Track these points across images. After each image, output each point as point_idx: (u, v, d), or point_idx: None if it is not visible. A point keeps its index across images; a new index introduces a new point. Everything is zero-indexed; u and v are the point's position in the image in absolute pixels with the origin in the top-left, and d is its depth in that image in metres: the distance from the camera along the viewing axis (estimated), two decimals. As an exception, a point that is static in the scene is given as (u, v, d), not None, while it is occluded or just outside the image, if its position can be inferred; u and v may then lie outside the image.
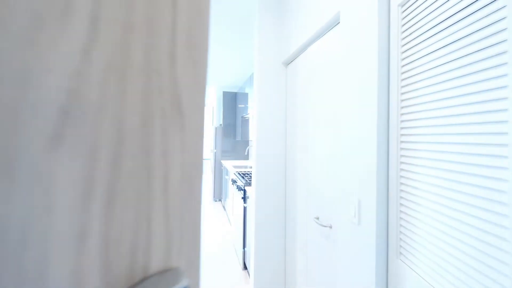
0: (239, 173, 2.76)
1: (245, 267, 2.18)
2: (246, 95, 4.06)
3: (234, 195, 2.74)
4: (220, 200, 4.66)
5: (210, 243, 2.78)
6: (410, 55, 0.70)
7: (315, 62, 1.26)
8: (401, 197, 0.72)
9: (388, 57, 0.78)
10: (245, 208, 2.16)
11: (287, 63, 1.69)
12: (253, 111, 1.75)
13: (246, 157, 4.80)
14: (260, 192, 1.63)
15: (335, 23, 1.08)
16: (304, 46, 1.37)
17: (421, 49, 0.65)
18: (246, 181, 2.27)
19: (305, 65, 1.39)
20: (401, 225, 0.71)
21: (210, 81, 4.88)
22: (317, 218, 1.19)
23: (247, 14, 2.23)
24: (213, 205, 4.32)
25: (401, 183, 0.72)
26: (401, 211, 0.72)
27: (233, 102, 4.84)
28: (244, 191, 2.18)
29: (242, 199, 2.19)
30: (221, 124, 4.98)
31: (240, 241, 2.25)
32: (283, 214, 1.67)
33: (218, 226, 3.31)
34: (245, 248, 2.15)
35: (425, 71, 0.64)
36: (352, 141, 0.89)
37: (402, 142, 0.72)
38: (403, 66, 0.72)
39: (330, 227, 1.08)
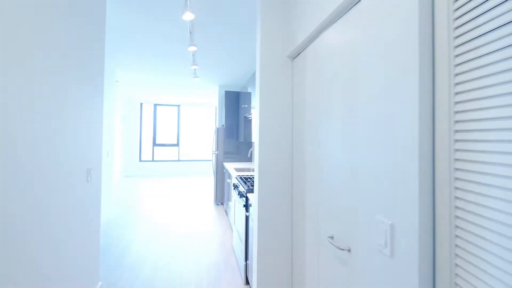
0: (241, 178, 2.58)
1: (247, 282, 1.99)
2: (249, 94, 3.89)
3: (236, 201, 2.56)
4: (222, 203, 4.48)
5: (211, 251, 2.60)
6: (467, 32, 0.50)
7: (330, 52, 1.07)
8: (457, 226, 0.52)
9: (431, 36, 0.59)
10: (247, 217, 1.97)
11: (293, 56, 1.51)
12: (255, 111, 1.56)
13: (249, 159, 4.62)
14: (263, 202, 1.45)
15: (354, 1, 0.89)
16: (314, 34, 1.19)
17: (487, 21, 0.46)
18: (249, 187, 2.09)
19: (316, 56, 1.20)
20: (457, 265, 0.52)
21: (212, 80, 4.71)
22: (331, 238, 1.00)
23: (248, 10, 2.06)
24: (215, 209, 4.14)
25: (456, 198, 0.53)
26: (457, 245, 0.52)
27: (235, 102, 4.67)
28: (246, 198, 2.00)
29: (244, 207, 2.01)
30: (223, 125, 4.81)
31: (242, 252, 2.07)
32: (290, 228, 1.48)
33: (219, 233, 3.13)
34: (247, 261, 1.96)
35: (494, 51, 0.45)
36: (379, 145, 0.70)
37: (457, 141, 0.53)
38: (457, 47, 0.53)
39: (349, 250, 0.89)
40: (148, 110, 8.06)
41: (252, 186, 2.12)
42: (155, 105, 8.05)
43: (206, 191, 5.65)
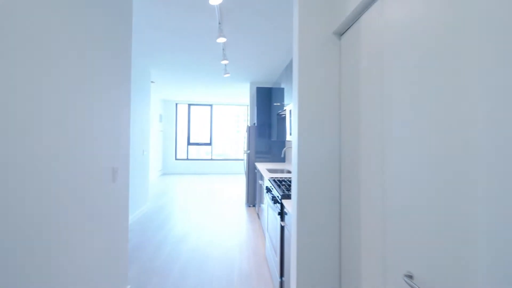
0: (274, 180, 2.33)
1: (282, 301, 1.74)
2: (281, 90, 3.61)
3: (269, 206, 2.32)
4: (254, 205, 4.28)
5: (242, 259, 2.40)
6: None
7: (406, 18, 0.76)
8: None
9: None
10: (282, 228, 1.71)
11: (341, 31, 1.20)
12: (293, 103, 1.30)
13: (282, 160, 4.34)
14: (303, 215, 1.17)
15: None
16: (375, -6, 0.88)
17: None
18: (284, 191, 1.82)
19: (379, 27, 0.89)
20: None
21: (243, 76, 4.54)
22: (410, 277, 0.69)
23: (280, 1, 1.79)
24: (246, 212, 3.96)
25: None
26: None
27: (267, 98, 4.43)
28: (281, 205, 1.74)
29: (279, 215, 1.75)
30: (255, 123, 4.61)
31: (277, 265, 1.82)
32: (337, 254, 1.18)
33: (251, 238, 2.92)
34: (282, 278, 1.71)
35: None
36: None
37: None
38: None
39: (445, 304, 0.58)
40: (183, 110, 8.27)
41: (288, 190, 1.85)
42: (189, 104, 8.22)
43: (237, 191, 5.53)
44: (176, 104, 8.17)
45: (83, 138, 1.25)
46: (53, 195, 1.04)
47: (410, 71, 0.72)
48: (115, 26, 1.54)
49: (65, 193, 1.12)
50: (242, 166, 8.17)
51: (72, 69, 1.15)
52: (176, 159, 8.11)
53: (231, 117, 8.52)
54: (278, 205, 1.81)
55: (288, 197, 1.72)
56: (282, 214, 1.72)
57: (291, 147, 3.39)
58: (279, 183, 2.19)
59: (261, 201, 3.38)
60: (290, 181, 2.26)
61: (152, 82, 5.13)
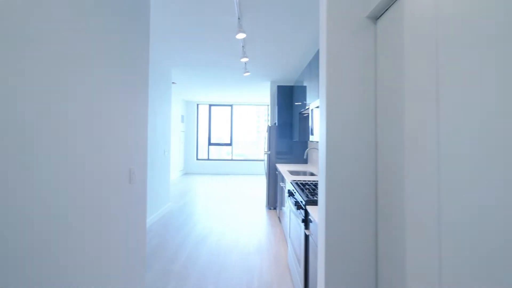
0: (297, 183, 2.18)
1: (307, 317, 1.59)
2: (303, 88, 3.44)
3: (291, 211, 2.17)
4: (275, 208, 4.15)
5: (262, 266, 2.28)
6: None
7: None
8: None
9: None
10: (307, 237, 1.57)
11: (377, 15, 1.04)
12: (319, 101, 1.16)
13: (305, 161, 4.16)
14: (332, 224, 1.03)
15: None
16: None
17: None
18: (308, 196, 1.68)
19: (429, 4, 0.73)
20: None
21: (263, 75, 4.42)
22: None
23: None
24: (266, 215, 3.84)
25: None
26: None
27: (289, 97, 4.27)
28: (305, 211, 1.59)
29: (303, 223, 1.61)
30: (275, 123, 4.48)
31: (301, 276, 1.68)
32: (373, 269, 1.02)
33: (272, 243, 2.79)
34: (307, 291, 1.56)
35: None
36: None
37: None
38: None
39: None
40: (204, 111, 8.36)
41: (312, 195, 1.70)
42: (210, 105, 8.29)
43: (258, 193, 5.42)
44: (197, 104, 8.28)
45: (100, 140, 1.21)
46: (70, 196, 1.00)
47: (477, 58, 0.55)
48: (132, 35, 1.51)
49: (81, 194, 1.08)
50: (262, 167, 8.06)
51: (90, 77, 1.11)
52: (197, 159, 8.22)
53: (251, 117, 8.46)
54: (302, 211, 1.67)
55: (313, 202, 1.57)
56: (306, 221, 1.58)
57: (314, 148, 3.21)
58: (302, 186, 2.04)
59: (282, 204, 3.24)
60: (315, 185, 2.10)
61: (173, 83, 5.20)
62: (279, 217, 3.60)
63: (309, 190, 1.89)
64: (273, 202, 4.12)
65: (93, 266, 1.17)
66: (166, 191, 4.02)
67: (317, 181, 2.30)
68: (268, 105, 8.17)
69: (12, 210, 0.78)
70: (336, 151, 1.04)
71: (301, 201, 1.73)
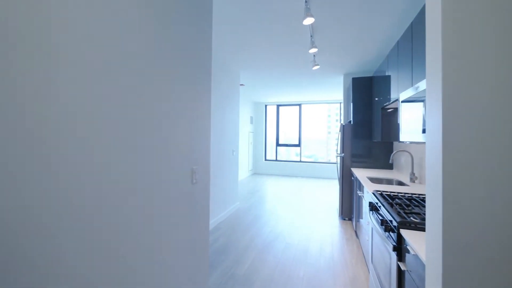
0: (382, 195, 1.74)
1: None
2: (387, 79, 2.84)
3: (374, 230, 1.74)
4: (350, 219, 3.62)
5: (335, 290, 1.93)
6: None
7: None
8: None
9: None
10: (402, 273, 1.16)
11: None
12: (426, 83, 0.78)
13: (389, 166, 3.47)
14: (459, 271, 0.65)
15: None
16: None
17: None
18: (400, 214, 1.26)
19: None
20: None
21: (335, 67, 3.95)
22: None
23: None
24: (340, 226, 3.37)
25: None
26: None
27: (367, 90, 3.67)
28: (399, 236, 1.19)
29: (394, 251, 1.20)
30: (350, 121, 3.93)
31: (389, 320, 1.27)
32: None
33: (347, 261, 2.38)
34: None
35: None
36: None
37: None
38: None
39: None
40: (272, 111, 8.33)
41: (407, 213, 1.27)
42: (278, 105, 8.19)
43: (329, 199, 4.93)
44: (266, 105, 8.32)
45: (165, 141, 1.18)
46: (137, 197, 0.98)
47: None
48: (195, 43, 1.47)
49: (149, 195, 1.06)
50: (333, 170, 7.39)
51: (157, 83, 1.08)
52: (265, 159, 8.25)
53: (321, 116, 7.90)
54: (393, 235, 1.26)
55: (408, 226, 1.15)
56: (401, 251, 1.17)
57: (404, 151, 2.58)
58: (390, 200, 1.59)
59: (359, 216, 2.75)
60: (407, 199, 1.61)
61: (241, 84, 5.31)
62: (355, 231, 3.09)
63: (401, 206, 1.45)
64: (348, 212, 3.60)
65: (159, 267, 1.15)
66: (234, 190, 4.09)
67: (412, 194, 1.78)
68: (340, 102, 7.44)
69: (84, 211, 0.77)
70: (463, 156, 0.66)
71: (390, 221, 1.31)
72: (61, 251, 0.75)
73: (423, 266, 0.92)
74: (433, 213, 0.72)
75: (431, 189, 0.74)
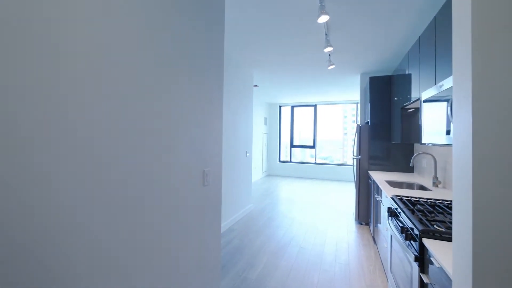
0: (401, 200, 1.64)
1: None
2: (407, 77, 2.70)
3: (393, 237, 1.65)
4: (367, 224, 3.48)
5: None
6: None
7: None
8: None
9: None
10: (425, 285, 1.07)
11: None
12: (453, 78, 0.71)
13: (410, 170, 3.29)
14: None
15: None
16: None
17: None
18: (421, 221, 1.17)
19: None
20: None
21: (351, 66, 3.83)
22: None
23: None
24: (356, 231, 3.25)
25: None
26: None
27: (385, 90, 3.52)
28: (421, 246, 1.10)
29: (416, 262, 1.12)
30: (367, 122, 3.79)
31: (410, 336, 1.18)
32: None
33: (365, 268, 2.27)
34: None
35: None
36: None
37: None
38: None
39: None
40: (286, 112, 8.25)
41: (430, 221, 1.18)
42: (292, 106, 8.09)
43: (344, 202, 4.78)
44: (280, 106, 8.25)
45: (176, 142, 1.18)
46: (153, 197, 0.99)
47: None
48: (209, 52, 1.47)
49: (165, 196, 1.06)
50: (348, 173, 7.17)
51: (173, 87, 1.09)
52: (279, 161, 8.17)
53: (337, 117, 7.71)
54: (414, 244, 1.17)
55: (432, 235, 1.07)
56: (423, 262, 1.09)
57: (426, 153, 2.43)
58: (411, 205, 1.50)
59: (377, 221, 2.63)
60: (430, 205, 1.51)
61: (255, 86, 5.30)
62: (373, 236, 2.96)
63: (423, 213, 1.35)
64: (365, 216, 3.46)
65: (170, 267, 1.14)
66: (247, 192, 4.07)
67: (435, 199, 1.67)
68: (357, 102, 7.22)
69: (105, 211, 0.78)
70: (495, 161, 0.59)
71: (412, 229, 1.23)
72: (72, 252, 0.75)
73: (449, 280, 0.84)
74: (461, 221, 0.65)
75: (458, 195, 0.67)
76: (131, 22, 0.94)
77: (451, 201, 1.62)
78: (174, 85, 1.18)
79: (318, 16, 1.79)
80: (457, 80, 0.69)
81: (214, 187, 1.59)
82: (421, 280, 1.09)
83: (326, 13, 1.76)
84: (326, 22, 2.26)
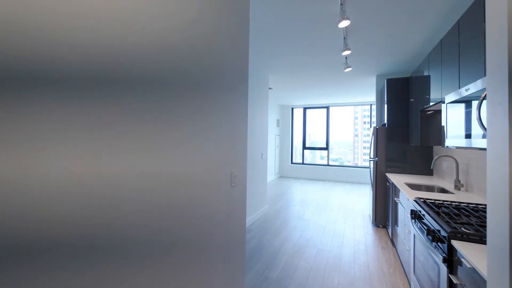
0: (425, 202, 1.65)
1: None
2: (425, 79, 2.68)
3: (416, 239, 1.65)
4: (384, 227, 3.46)
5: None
6: None
7: None
8: None
9: None
10: (454, 286, 1.09)
11: None
12: (487, 77, 0.74)
13: (429, 172, 3.25)
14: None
15: None
16: None
17: None
18: (449, 223, 1.19)
19: None
20: None
21: (368, 68, 3.82)
22: None
23: None
24: (374, 233, 3.23)
25: None
26: None
27: (403, 92, 3.50)
28: (449, 247, 1.12)
29: (444, 263, 1.14)
30: (384, 124, 3.77)
31: (438, 336, 1.20)
32: None
33: (385, 271, 2.27)
34: None
35: None
36: None
37: None
38: None
39: None
40: (298, 114, 8.26)
41: (458, 223, 1.20)
42: (305, 108, 8.10)
43: (360, 205, 4.75)
44: (292, 108, 8.27)
45: (209, 145, 1.25)
46: (194, 197, 1.06)
47: None
48: (236, 70, 1.54)
49: (199, 197, 1.13)
50: (361, 174, 7.09)
51: (211, 95, 1.16)
52: (291, 163, 8.18)
53: (348, 118, 7.65)
54: (441, 246, 1.19)
55: (461, 237, 1.09)
56: (452, 263, 1.11)
57: (447, 156, 2.40)
58: (435, 208, 1.51)
59: (396, 223, 2.62)
60: (455, 207, 1.51)
61: (270, 88, 5.36)
62: (391, 239, 2.94)
63: (449, 216, 1.36)
64: (382, 219, 3.44)
65: (203, 265, 1.21)
66: (263, 193, 4.12)
67: (460, 202, 1.66)
68: (371, 104, 7.15)
69: (150, 213, 0.85)
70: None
71: (438, 230, 1.25)
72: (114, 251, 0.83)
73: (482, 280, 0.86)
74: (497, 222, 0.68)
75: (493, 199, 0.70)
76: (186, 51, 1.02)
77: (477, 204, 1.62)
78: (211, 94, 1.26)
79: (339, 21, 1.83)
80: (491, 86, 0.72)
81: (240, 188, 1.65)
82: (449, 281, 1.11)
83: (347, 18, 1.79)
84: (345, 26, 2.29)
